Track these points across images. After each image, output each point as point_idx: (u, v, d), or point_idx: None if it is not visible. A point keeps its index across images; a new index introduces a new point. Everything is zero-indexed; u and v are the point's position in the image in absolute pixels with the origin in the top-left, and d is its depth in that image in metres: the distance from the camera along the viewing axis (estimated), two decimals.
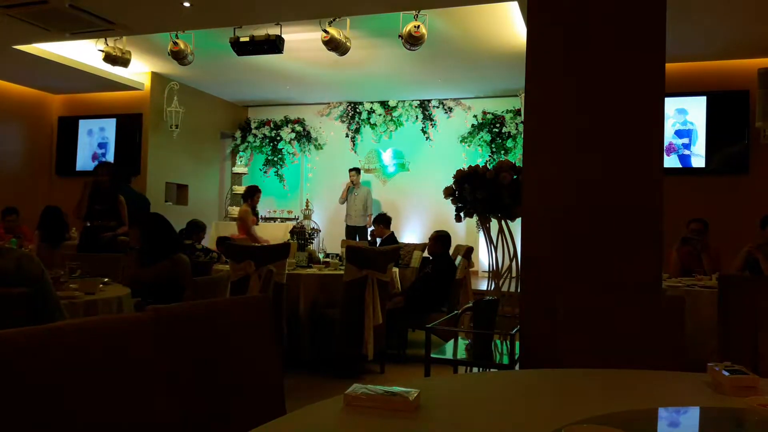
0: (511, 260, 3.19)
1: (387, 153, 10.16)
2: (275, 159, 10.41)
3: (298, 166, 10.52)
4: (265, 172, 10.46)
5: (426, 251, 5.87)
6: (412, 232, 9.77)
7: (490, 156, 9.25)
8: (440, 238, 5.12)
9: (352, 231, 9.24)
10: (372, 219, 7.31)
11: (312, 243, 5.99)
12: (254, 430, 1.08)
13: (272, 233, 8.93)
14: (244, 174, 10.65)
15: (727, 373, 1.39)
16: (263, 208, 10.15)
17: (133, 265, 3.72)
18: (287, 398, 1.60)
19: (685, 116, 6.92)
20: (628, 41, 2.55)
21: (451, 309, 4.65)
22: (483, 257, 8.62)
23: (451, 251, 5.41)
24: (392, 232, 6.66)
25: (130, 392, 1.24)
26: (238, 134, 10.56)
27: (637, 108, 2.52)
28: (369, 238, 7.59)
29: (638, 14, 2.54)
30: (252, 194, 6.60)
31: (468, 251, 5.31)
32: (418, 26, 5.81)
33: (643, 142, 2.50)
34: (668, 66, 2.54)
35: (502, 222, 3.14)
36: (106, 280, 3.41)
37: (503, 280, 3.19)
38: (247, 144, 10.51)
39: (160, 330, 1.35)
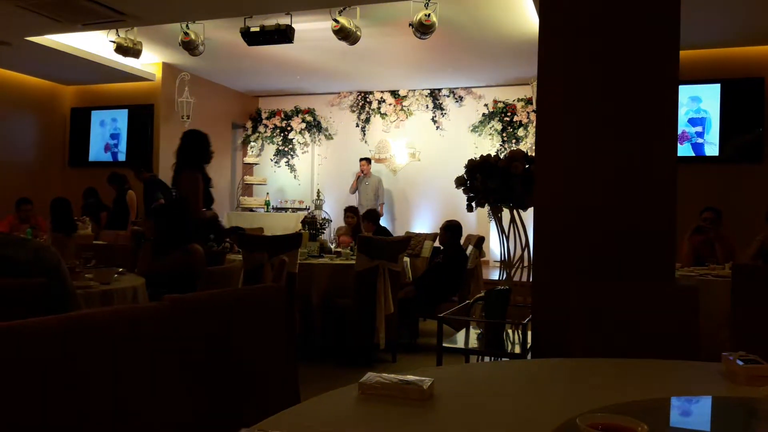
0: (522, 250, 3.18)
1: (397, 143, 10.14)
2: (286, 149, 10.42)
3: (308, 156, 10.52)
4: (276, 162, 10.49)
5: (437, 241, 5.87)
6: (423, 222, 9.77)
7: (501, 145, 9.21)
8: (451, 228, 5.12)
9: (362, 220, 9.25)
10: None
11: (323, 233, 6.01)
12: (269, 418, 1.09)
13: (284, 223, 8.98)
14: (256, 164, 10.69)
15: (741, 363, 1.38)
16: (274, 198, 10.18)
17: (147, 255, 3.75)
18: (300, 386, 1.62)
19: (699, 104, 6.84)
20: (641, 28, 2.52)
21: (463, 299, 4.66)
22: (494, 247, 8.61)
23: (462, 241, 5.41)
24: (380, 226, 6.62)
25: (146, 380, 1.26)
26: (249, 124, 10.58)
27: (651, 96, 2.50)
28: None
29: (652, 1, 2.51)
30: None
31: (479, 241, 5.31)
32: (429, 14, 5.77)
33: (657, 131, 2.48)
34: (682, 53, 2.51)
35: (514, 212, 3.13)
36: (120, 270, 3.44)
37: (515, 270, 3.19)
38: (258, 134, 10.54)
39: (176, 319, 1.36)
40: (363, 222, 6.46)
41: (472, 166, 3.13)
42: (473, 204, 3.19)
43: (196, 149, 4.22)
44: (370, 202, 9.34)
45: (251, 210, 9.99)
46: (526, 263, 3.15)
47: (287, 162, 10.47)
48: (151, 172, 7.18)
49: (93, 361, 1.17)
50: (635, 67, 2.52)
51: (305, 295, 4.61)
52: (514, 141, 9.16)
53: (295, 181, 10.49)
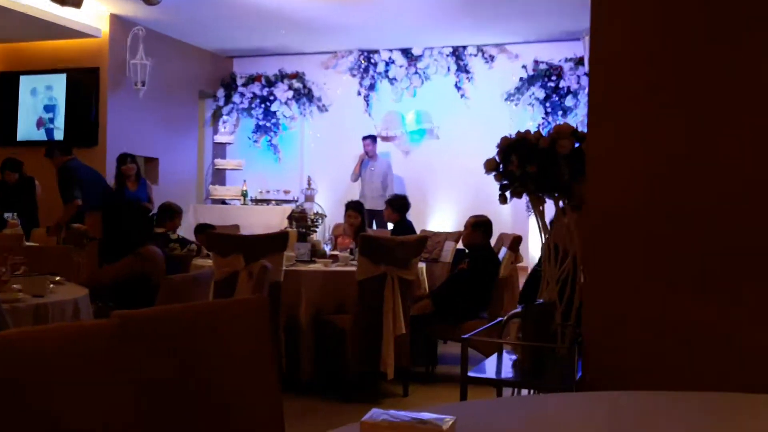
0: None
1: (410, 115, 10.12)
2: (268, 125, 10.44)
3: (297, 133, 10.53)
4: (256, 141, 10.49)
5: (461, 242, 5.87)
6: (442, 218, 9.77)
7: (543, 118, 9.18)
8: (480, 226, 5.11)
9: (368, 216, 9.25)
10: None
11: (315, 232, 6.01)
12: None
13: (265, 219, 8.98)
14: (229, 144, 10.70)
15: None
16: (253, 188, 10.17)
17: (93, 260, 3.77)
18: (287, 424, 1.63)
19: None
20: None
21: (494, 315, 4.66)
22: (534, 249, 8.58)
23: (493, 242, 5.40)
24: (405, 220, 6.64)
25: (92, 416, 1.26)
26: (220, 93, 10.58)
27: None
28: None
29: None
30: None
31: (515, 242, 5.31)
32: None
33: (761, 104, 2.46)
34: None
35: (560, 203, 3.13)
36: (57, 278, 3.46)
37: (561, 278, 3.18)
38: (232, 106, 10.54)
39: (128, 341, 1.37)
40: (385, 206, 6.48)
41: (507, 145, 3.12)
42: (508, 194, 3.19)
43: None
44: (377, 193, 9.32)
45: (224, 202, 10.01)
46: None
47: (269, 141, 10.48)
48: (70, 155, 7.22)
49: (25, 393, 1.17)
50: (723, 19, 2.49)
51: (292, 311, 4.62)
52: (560, 113, 9.12)
53: (280, 165, 10.49)
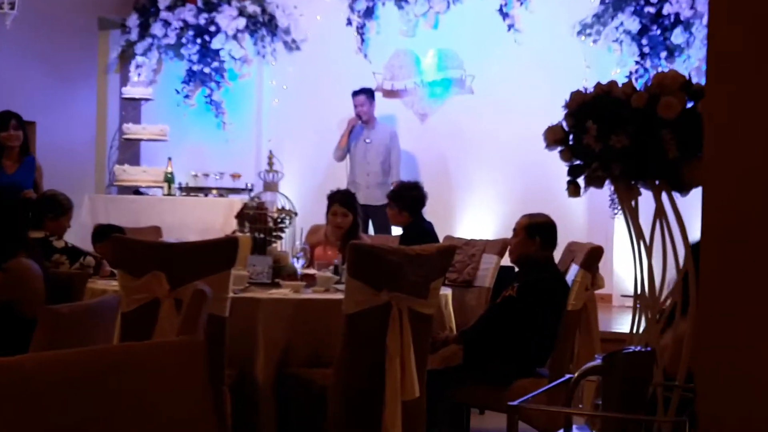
0: (681, 272, 3.19)
1: (429, 57, 10.13)
2: (207, 71, 10.45)
3: (251, 84, 10.56)
4: (188, 96, 10.50)
5: (508, 256, 5.88)
6: (478, 218, 9.81)
7: (638, 63, 9.20)
8: (537, 230, 5.13)
9: (362, 215, 9.25)
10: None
11: (281, 238, 6.03)
12: None
13: (202, 219, 9.02)
14: (147, 100, 10.68)
15: None
16: (182, 169, 10.17)
17: None
18: None
19: None
20: None
21: (558, 371, 4.66)
22: (622, 267, 8.61)
23: (557, 256, 5.40)
24: (421, 221, 6.65)
25: None
26: (132, 21, 10.57)
27: None
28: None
29: None
30: None
31: (592, 256, 5.31)
32: None
33: None
34: None
35: (663, 195, 3.14)
36: None
37: (665, 313, 3.19)
38: (151, 41, 10.54)
39: None
40: (389, 203, 6.47)
41: (581, 104, 3.14)
42: (581, 181, 3.20)
43: None
44: (375, 178, 9.34)
45: (137, 192, 10.02)
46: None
47: (209, 97, 10.49)
48: None
49: None
50: None
51: (246, 360, 4.64)
52: (664, 55, 9.13)
53: (225, 133, 10.50)
